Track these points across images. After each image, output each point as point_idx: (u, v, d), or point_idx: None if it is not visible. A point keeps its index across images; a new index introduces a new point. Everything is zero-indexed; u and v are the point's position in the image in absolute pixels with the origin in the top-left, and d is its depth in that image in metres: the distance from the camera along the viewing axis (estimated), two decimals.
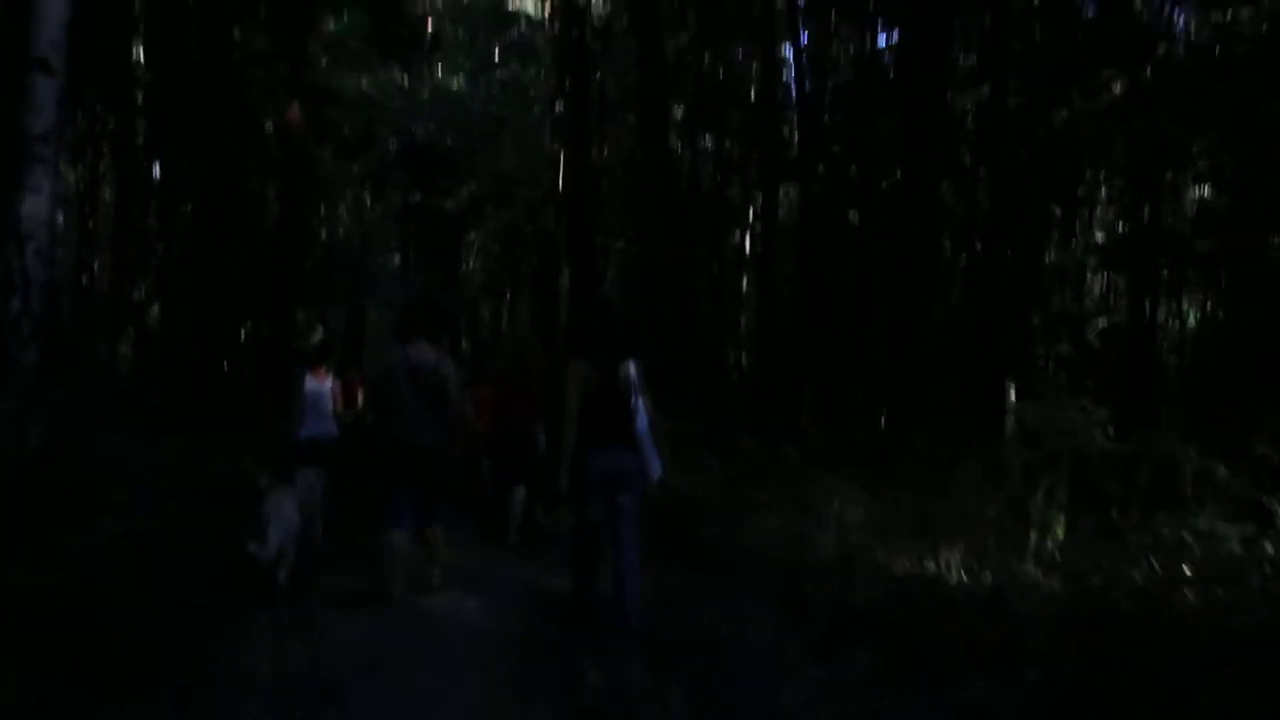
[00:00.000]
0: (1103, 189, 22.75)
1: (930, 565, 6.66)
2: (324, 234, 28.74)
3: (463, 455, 10.71)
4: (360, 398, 12.40)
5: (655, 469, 6.81)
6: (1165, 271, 17.83)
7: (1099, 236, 23.34)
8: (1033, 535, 6.59)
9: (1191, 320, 22.75)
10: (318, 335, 25.99)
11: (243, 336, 21.44)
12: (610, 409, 6.74)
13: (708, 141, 28.34)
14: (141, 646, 5.85)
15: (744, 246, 28.75)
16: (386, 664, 6.07)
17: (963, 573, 6.45)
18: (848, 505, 8.22)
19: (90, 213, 23.09)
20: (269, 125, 21.72)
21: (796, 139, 24.22)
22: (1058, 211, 21.13)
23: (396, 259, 32.62)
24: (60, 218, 23.78)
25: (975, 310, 18.10)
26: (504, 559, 9.62)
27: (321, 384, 10.00)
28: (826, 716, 5.22)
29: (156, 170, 20.70)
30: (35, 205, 8.07)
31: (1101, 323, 20.01)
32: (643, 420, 6.75)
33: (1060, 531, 6.59)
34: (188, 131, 19.22)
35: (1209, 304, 21.12)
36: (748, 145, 26.78)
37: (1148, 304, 16.96)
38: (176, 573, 7.43)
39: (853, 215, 23.60)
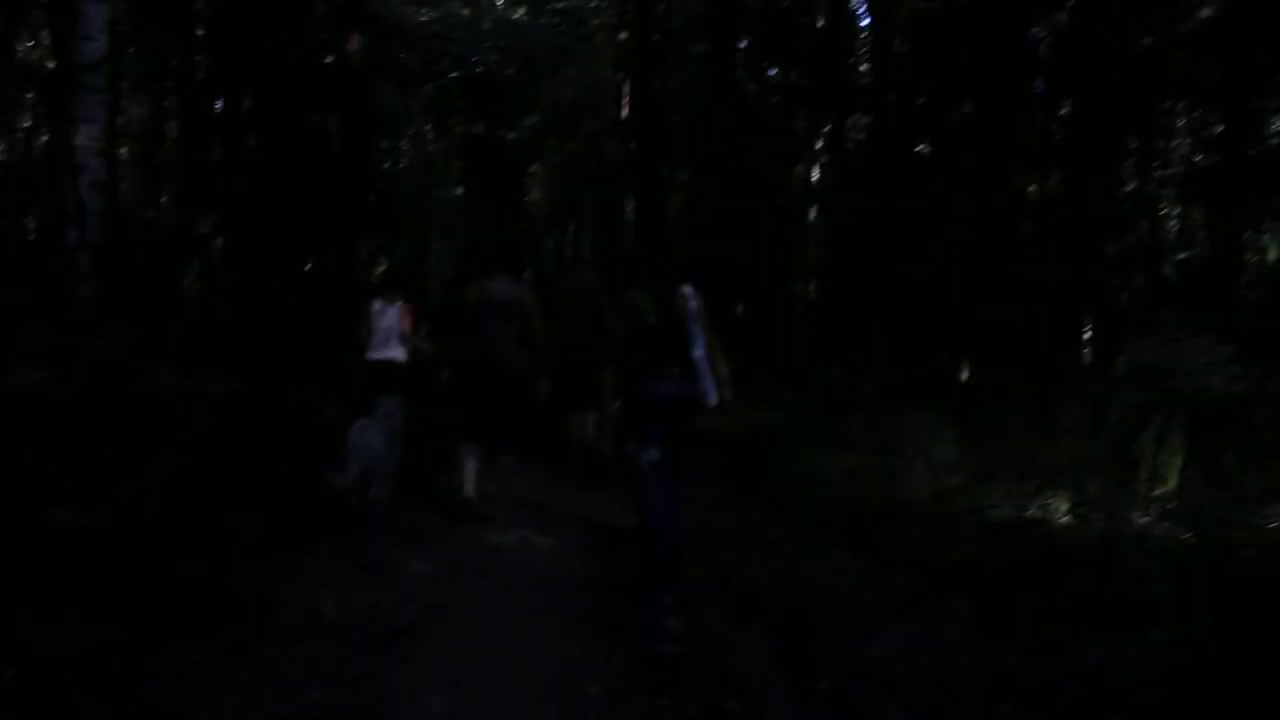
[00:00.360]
0: (1181, 120, 22.08)
1: (1034, 511, 6.25)
2: (387, 167, 28.47)
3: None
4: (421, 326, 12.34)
5: (712, 396, 6.69)
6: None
7: (1175, 169, 22.65)
8: (1143, 480, 6.16)
9: (1272, 254, 21.97)
10: (382, 267, 25.86)
11: (308, 269, 21.28)
12: (667, 337, 6.69)
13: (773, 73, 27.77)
14: (201, 587, 5.65)
15: (810, 178, 28.18)
16: (453, 609, 5.80)
17: (1070, 520, 6.04)
18: (936, 444, 7.81)
19: (155, 148, 23.09)
20: (330, 59, 21.45)
21: (865, 71, 23.69)
22: (1134, 143, 20.53)
23: (459, 191, 32.30)
24: (124, 151, 23.91)
25: (1051, 243, 17.58)
26: (568, 491, 9.34)
27: (390, 310, 9.87)
28: (922, 675, 4.85)
29: (219, 105, 20.58)
30: (89, 135, 7.82)
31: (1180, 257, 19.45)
32: (700, 347, 6.66)
33: (1174, 477, 6.16)
34: (249, 65, 19.01)
35: None
36: (815, 76, 26.15)
37: (1227, 237, 16.29)
38: (241, 508, 7.25)
39: (923, 146, 23.10)
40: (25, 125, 25.17)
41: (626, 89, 26.05)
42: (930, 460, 7.59)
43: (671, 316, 6.69)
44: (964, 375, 12.58)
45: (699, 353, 6.64)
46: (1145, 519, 5.79)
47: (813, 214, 27.90)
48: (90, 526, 5.60)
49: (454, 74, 24.75)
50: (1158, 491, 6.07)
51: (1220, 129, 17.85)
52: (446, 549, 7.09)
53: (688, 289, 6.75)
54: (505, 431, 7.98)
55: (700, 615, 5.83)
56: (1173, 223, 24.66)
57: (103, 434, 6.30)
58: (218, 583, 5.76)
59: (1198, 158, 21.78)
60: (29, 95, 22.52)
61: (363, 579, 6.25)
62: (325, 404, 10.15)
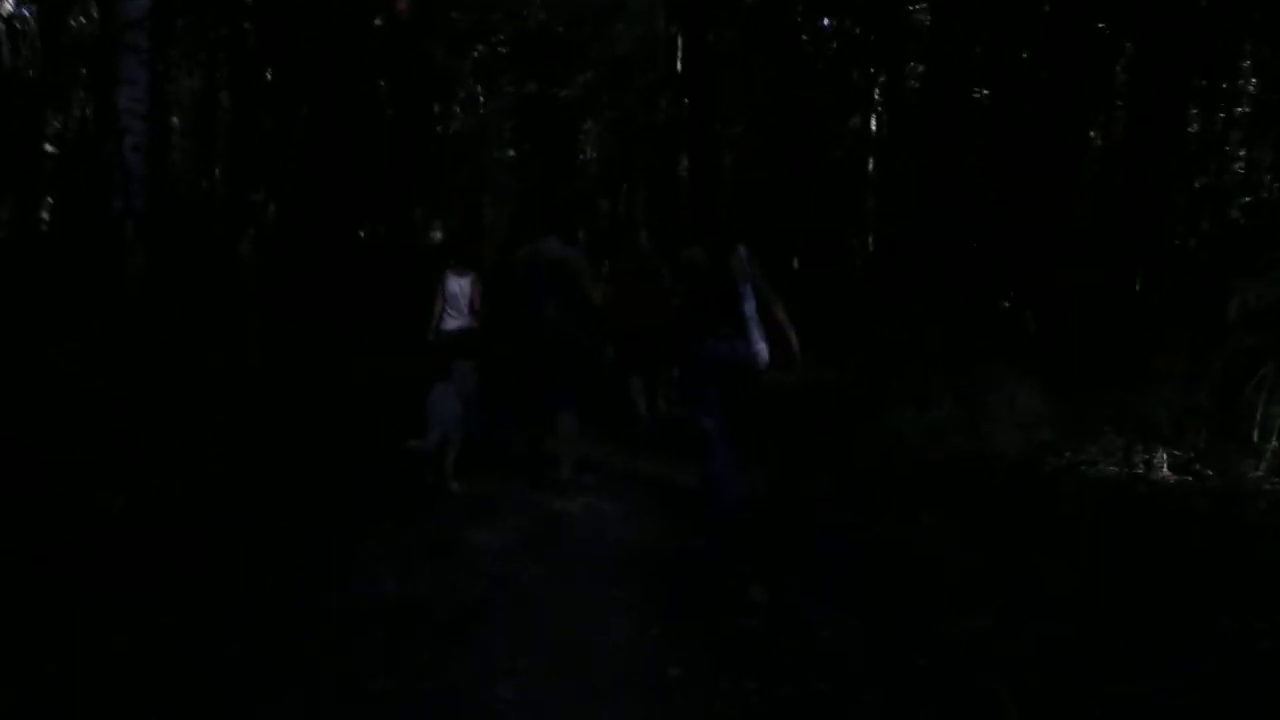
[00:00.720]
0: (1247, 60, 21.36)
1: (1137, 467, 5.84)
2: (439, 130, 28.28)
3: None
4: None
5: (764, 355, 6.48)
6: None
7: (1243, 108, 21.92)
8: (1256, 432, 5.74)
9: None
10: (437, 234, 25.69)
11: (361, 236, 21.12)
12: (719, 297, 6.50)
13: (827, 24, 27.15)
14: (265, 571, 5.43)
15: (868, 129, 27.65)
16: (523, 585, 5.51)
17: (1176, 476, 5.63)
18: (1020, 398, 7.39)
19: (208, 117, 22.98)
20: (379, 21, 21.21)
21: (922, 19, 23.14)
22: (1200, 83, 19.84)
23: (511, 153, 32.09)
24: (176, 121, 23.80)
25: (1115, 190, 17.07)
26: (632, 453, 9.04)
27: (462, 279, 10.21)
28: (1026, 652, 4.49)
29: (270, 74, 20.42)
30: (131, 97, 7.56)
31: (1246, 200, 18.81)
32: (751, 306, 6.47)
33: None
34: (296, 30, 18.79)
35: None
36: (871, 24, 25.58)
37: None
38: (307, 486, 7.03)
39: (982, 94, 22.54)
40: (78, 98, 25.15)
41: (680, 43, 25.61)
42: (1016, 415, 7.18)
43: (723, 276, 6.51)
44: (1031, 327, 12.16)
45: (750, 312, 6.47)
46: (1258, 474, 5.38)
47: (870, 166, 27.44)
48: (145, 513, 5.39)
49: (505, 33, 24.52)
50: (1273, 444, 5.64)
51: None
52: (514, 520, 6.81)
53: (741, 248, 6.56)
54: (563, 393, 7.79)
55: (784, 585, 5.50)
56: (1238, 165, 23.93)
57: (152, 422, 6.09)
58: (282, 566, 5.55)
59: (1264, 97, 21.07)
60: (82, 70, 22.47)
61: (430, 555, 5.99)
62: (398, 372, 10.07)
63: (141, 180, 7.54)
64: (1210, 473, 5.51)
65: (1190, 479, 5.59)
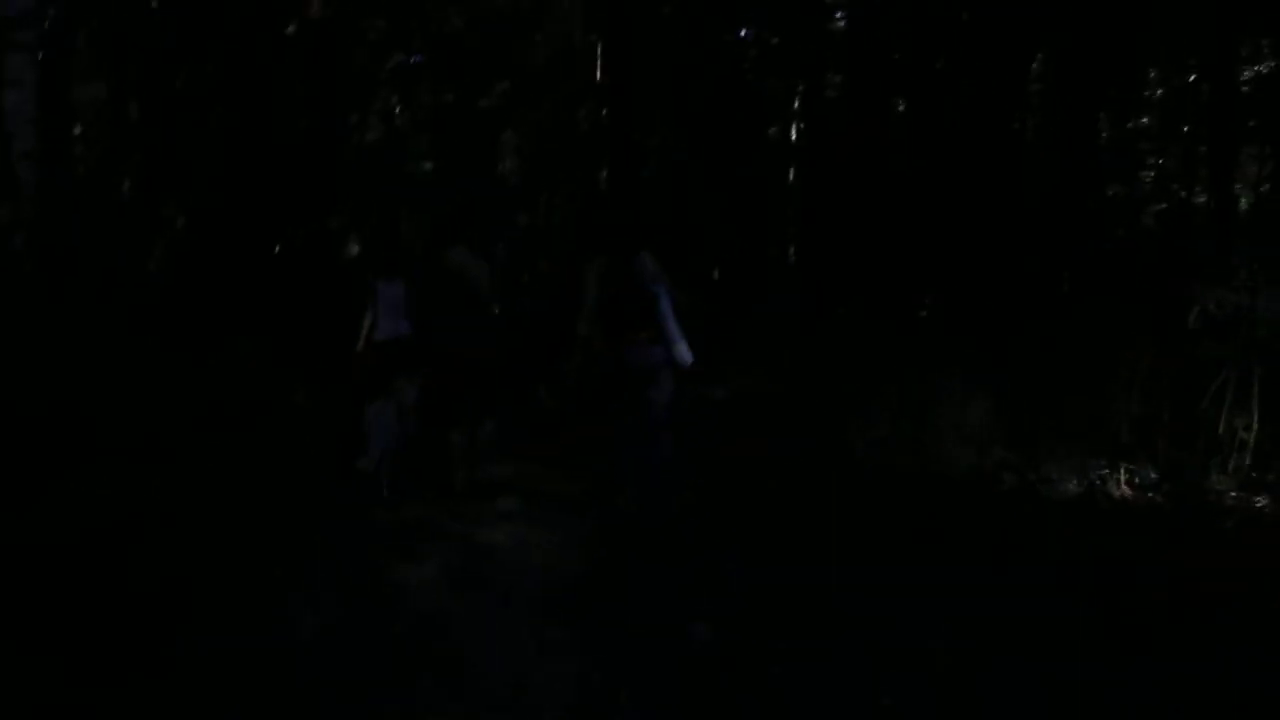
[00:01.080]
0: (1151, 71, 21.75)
1: (1104, 483, 5.57)
2: (355, 140, 27.78)
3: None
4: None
5: (685, 357, 6.43)
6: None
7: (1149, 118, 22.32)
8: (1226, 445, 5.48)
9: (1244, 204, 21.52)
10: (354, 246, 25.29)
11: (276, 249, 20.52)
12: (632, 302, 6.47)
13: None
14: (147, 604, 4.99)
15: (788, 138, 27.64)
16: (454, 628, 5.09)
17: (1139, 493, 5.37)
18: (967, 409, 7.09)
19: (117, 127, 22.21)
20: (292, 28, 20.70)
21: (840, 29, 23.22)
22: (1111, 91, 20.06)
23: (428, 165, 31.65)
24: (77, 129, 23.02)
25: (1038, 194, 17.23)
26: (553, 466, 8.60)
27: (392, 287, 9.93)
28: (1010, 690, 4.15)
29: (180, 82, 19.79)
30: (18, 100, 7.10)
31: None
32: (666, 309, 6.43)
33: (1251, 439, 5.49)
34: (208, 36, 18.27)
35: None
36: (788, 34, 25.60)
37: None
38: (194, 516, 6.58)
39: (901, 104, 22.65)
40: None
41: (599, 52, 25.41)
42: (963, 428, 6.89)
43: (633, 284, 6.46)
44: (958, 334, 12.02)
45: (666, 315, 6.40)
46: (1224, 486, 5.14)
47: (791, 176, 27.41)
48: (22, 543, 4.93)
49: (421, 41, 24.16)
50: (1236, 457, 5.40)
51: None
52: (441, 554, 6.34)
53: (645, 255, 6.50)
54: (476, 405, 7.78)
55: (729, 617, 5.12)
56: (1146, 173, 24.27)
57: (42, 442, 5.62)
58: (185, 603, 5.10)
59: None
60: None
61: (353, 596, 5.52)
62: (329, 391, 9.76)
63: (33, 191, 7.08)
64: (1176, 489, 5.26)
65: (1159, 497, 5.32)
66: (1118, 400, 6.31)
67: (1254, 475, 5.24)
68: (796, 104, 26.24)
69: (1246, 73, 19.24)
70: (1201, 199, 18.70)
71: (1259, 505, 4.88)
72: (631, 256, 6.54)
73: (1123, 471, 5.63)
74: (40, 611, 4.84)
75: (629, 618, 5.19)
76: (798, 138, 26.41)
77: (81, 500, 5.57)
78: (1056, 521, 5.19)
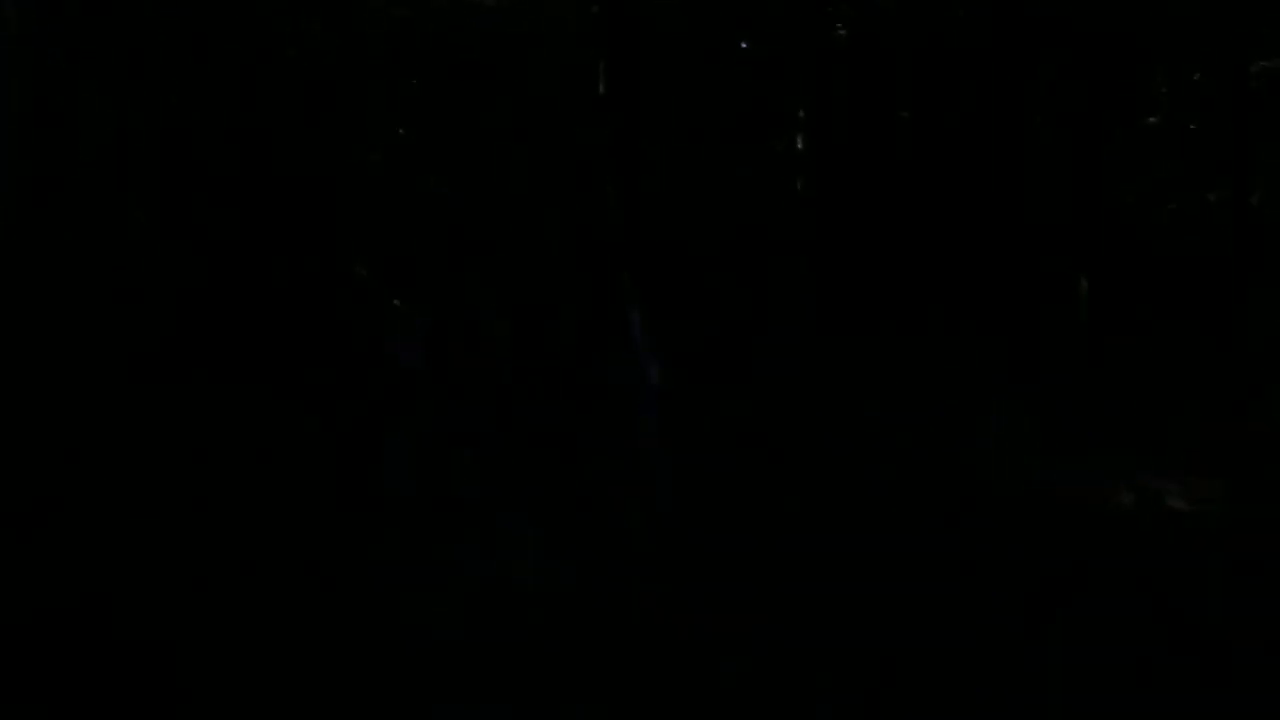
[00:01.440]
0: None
1: (1153, 499, 5.39)
2: (356, 160, 27.91)
3: None
4: None
5: (654, 375, 6.79)
6: None
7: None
8: None
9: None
10: (361, 269, 25.47)
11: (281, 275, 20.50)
12: (606, 325, 6.99)
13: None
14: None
15: (794, 149, 27.65)
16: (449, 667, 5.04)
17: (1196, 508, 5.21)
18: (1010, 420, 6.87)
19: (67, 120, 21.98)
20: (291, 52, 20.76)
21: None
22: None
23: (433, 184, 31.80)
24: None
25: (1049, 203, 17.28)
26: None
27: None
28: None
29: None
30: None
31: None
32: (637, 328, 6.85)
33: None
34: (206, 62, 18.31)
35: None
36: (791, 46, 25.65)
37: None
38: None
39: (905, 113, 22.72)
40: None
41: (602, 69, 25.49)
42: (1004, 441, 6.68)
43: (610, 305, 6.57)
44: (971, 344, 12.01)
45: (638, 336, 6.77)
46: None
47: (798, 187, 27.42)
48: None
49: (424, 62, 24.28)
50: None
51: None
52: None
53: (625, 276, 6.75)
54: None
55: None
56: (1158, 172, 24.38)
57: None
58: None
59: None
60: None
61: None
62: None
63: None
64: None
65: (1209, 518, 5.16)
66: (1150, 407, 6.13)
67: None
68: (801, 114, 26.28)
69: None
70: (1213, 197, 18.79)
71: None
72: (611, 280, 6.72)
73: (1171, 484, 5.47)
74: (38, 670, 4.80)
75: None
76: (803, 147, 26.45)
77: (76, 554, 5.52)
78: None
